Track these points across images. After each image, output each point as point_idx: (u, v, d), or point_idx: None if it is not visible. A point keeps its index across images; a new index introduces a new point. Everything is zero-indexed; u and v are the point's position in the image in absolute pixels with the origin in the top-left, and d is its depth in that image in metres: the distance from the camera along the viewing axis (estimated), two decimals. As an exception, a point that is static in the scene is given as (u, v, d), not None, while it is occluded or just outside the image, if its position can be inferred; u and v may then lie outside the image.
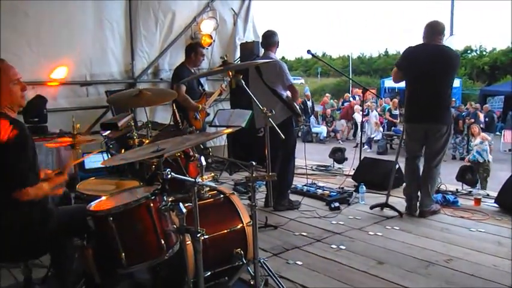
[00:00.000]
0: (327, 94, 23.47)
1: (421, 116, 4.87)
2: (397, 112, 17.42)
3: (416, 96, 4.90)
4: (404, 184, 5.41)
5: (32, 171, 2.62)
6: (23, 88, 2.69)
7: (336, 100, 23.63)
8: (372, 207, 5.16)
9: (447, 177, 6.21)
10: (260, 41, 5.43)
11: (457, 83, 26.25)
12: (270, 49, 5.25)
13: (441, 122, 4.84)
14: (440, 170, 5.11)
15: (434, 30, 4.81)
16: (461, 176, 6.13)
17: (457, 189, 6.02)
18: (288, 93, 5.17)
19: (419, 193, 5.09)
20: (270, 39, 5.26)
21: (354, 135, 19.56)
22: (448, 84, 4.87)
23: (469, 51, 41.81)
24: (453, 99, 20.88)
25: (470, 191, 5.97)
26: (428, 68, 4.73)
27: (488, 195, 5.78)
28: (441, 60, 4.75)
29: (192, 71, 6.00)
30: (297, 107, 5.23)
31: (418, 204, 5.10)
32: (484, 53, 41.47)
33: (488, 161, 10.65)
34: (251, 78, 5.25)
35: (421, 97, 4.82)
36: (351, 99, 21.77)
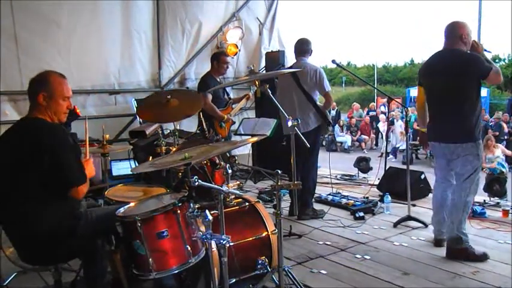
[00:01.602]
0: (355, 103, 23.32)
1: (441, 133, 4.19)
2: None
3: (434, 111, 4.28)
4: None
5: (83, 169, 2.74)
6: (69, 106, 2.83)
7: (360, 110, 23.48)
8: (395, 225, 5.03)
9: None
10: (293, 47, 5.46)
11: (484, 92, 25.81)
12: (304, 56, 5.32)
13: (463, 139, 4.01)
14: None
15: (448, 32, 4.16)
16: (488, 187, 6.03)
17: (484, 200, 5.93)
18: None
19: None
20: (304, 46, 5.33)
21: (377, 144, 19.44)
22: (468, 93, 4.01)
23: (497, 60, 41.09)
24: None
25: (498, 202, 5.87)
26: (439, 78, 4.10)
27: (516, 206, 5.67)
28: (452, 66, 4.03)
29: (218, 79, 6.06)
30: (329, 115, 5.27)
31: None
32: (514, 60, 40.71)
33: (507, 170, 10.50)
34: (284, 84, 5.33)
35: (439, 111, 4.20)
36: (374, 110, 21.63)
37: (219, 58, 6.06)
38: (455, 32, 4.09)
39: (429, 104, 4.34)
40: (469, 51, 4.10)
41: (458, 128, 4.03)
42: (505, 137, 16.33)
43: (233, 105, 6.29)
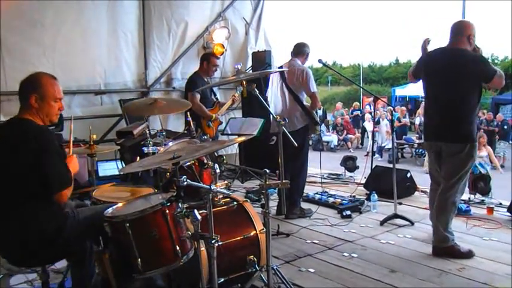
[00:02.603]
0: (339, 102, 23.44)
1: (435, 132, 4.17)
2: (406, 119, 17.53)
3: (430, 109, 4.27)
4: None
5: (68, 173, 2.72)
6: (60, 108, 2.83)
7: (346, 109, 23.60)
8: (382, 223, 5.07)
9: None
10: (291, 49, 5.47)
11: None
12: (298, 57, 5.35)
13: (456, 139, 4.00)
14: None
15: (454, 29, 4.09)
16: (473, 185, 6.10)
17: (469, 198, 6.00)
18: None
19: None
20: (299, 48, 5.38)
21: (362, 143, 19.58)
22: (466, 94, 3.97)
23: (480, 61, 41.57)
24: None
25: (483, 200, 5.95)
26: (441, 76, 4.04)
27: (501, 204, 5.74)
28: (455, 65, 3.98)
29: (206, 79, 6.06)
30: (316, 115, 5.29)
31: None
32: (496, 61, 41.19)
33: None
34: (272, 83, 5.39)
35: (435, 110, 4.17)
36: (358, 109, 21.81)
37: (209, 59, 6.08)
38: (463, 31, 4.04)
39: (427, 98, 4.32)
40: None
41: (457, 127, 4.00)
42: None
43: (220, 106, 6.29)
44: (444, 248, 4.13)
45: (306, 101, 5.33)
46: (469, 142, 3.98)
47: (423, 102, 4.44)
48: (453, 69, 3.97)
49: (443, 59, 4.07)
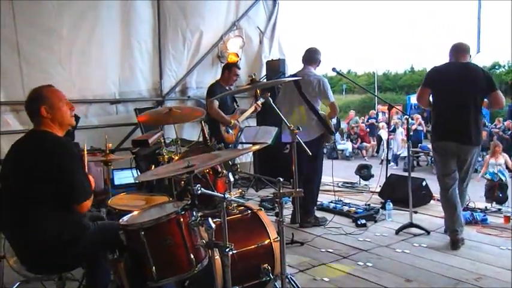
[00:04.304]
0: (351, 111, 23.38)
1: (449, 133, 4.61)
2: (421, 128, 17.38)
3: (446, 115, 4.66)
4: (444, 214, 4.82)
5: (89, 183, 2.77)
6: (71, 108, 2.88)
7: (362, 117, 23.52)
8: (397, 232, 5.04)
9: (475, 194, 6.12)
10: (303, 55, 5.45)
11: (484, 99, 25.82)
12: (311, 65, 5.34)
13: (472, 143, 4.55)
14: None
15: (459, 48, 4.69)
16: (489, 194, 6.04)
17: (486, 207, 5.93)
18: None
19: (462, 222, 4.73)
20: (311, 55, 5.36)
21: (378, 151, 19.47)
22: (477, 102, 4.55)
23: (497, 67, 41.17)
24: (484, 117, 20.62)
25: (500, 209, 5.88)
26: (456, 86, 4.53)
27: (518, 213, 5.67)
28: (468, 76, 4.54)
29: (227, 88, 6.12)
30: (332, 124, 5.27)
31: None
32: (515, 69, 40.78)
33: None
34: (287, 92, 5.36)
35: (449, 114, 4.61)
36: (374, 117, 21.73)
37: (231, 69, 6.18)
38: (466, 49, 4.70)
39: (437, 106, 4.76)
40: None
41: (473, 132, 4.53)
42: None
43: (240, 114, 6.31)
44: (459, 239, 4.58)
45: (321, 109, 5.32)
46: (479, 144, 4.70)
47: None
48: (464, 81, 4.52)
49: (455, 72, 4.61)
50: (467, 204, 5.77)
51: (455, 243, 4.55)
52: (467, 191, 4.96)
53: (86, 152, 3.23)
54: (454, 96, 4.54)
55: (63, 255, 2.65)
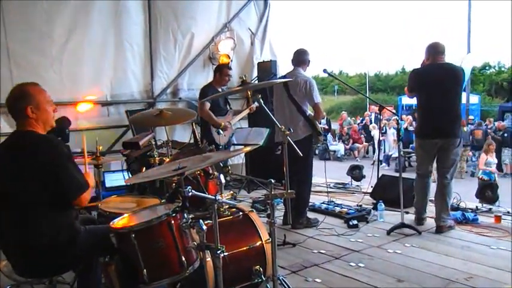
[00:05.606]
0: (344, 112, 23.44)
1: (435, 131, 5.01)
2: (412, 128, 17.46)
3: (429, 113, 5.10)
4: (415, 199, 5.42)
5: (84, 176, 2.77)
6: (55, 110, 2.86)
7: (353, 118, 23.59)
8: (389, 232, 5.06)
9: (467, 194, 6.15)
10: (292, 57, 5.46)
11: (475, 99, 26.06)
12: (300, 66, 5.34)
13: (454, 135, 4.99)
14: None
15: (436, 50, 5.03)
16: (480, 194, 6.08)
17: (476, 207, 5.97)
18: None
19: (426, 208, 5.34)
20: (300, 57, 5.36)
21: (368, 152, 19.53)
22: (457, 99, 5.11)
23: (487, 68, 41.49)
24: (471, 116, 20.77)
25: (490, 208, 5.91)
26: (438, 85, 4.92)
27: (508, 212, 5.71)
28: (449, 76, 4.95)
29: (220, 90, 6.11)
30: (319, 125, 5.28)
31: (434, 220, 5.14)
32: (503, 69, 41.10)
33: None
34: (276, 93, 5.37)
35: (434, 113, 5.02)
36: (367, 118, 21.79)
37: (221, 70, 6.21)
38: (443, 50, 5.04)
39: (421, 105, 5.21)
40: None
41: (452, 126, 5.00)
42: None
43: (233, 115, 6.31)
44: (445, 226, 5.05)
45: (310, 111, 5.33)
46: (460, 137, 5.08)
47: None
48: (445, 81, 4.93)
49: (436, 73, 4.99)
50: (458, 204, 5.81)
51: (420, 221, 5.28)
52: (459, 190, 5.29)
53: (86, 153, 3.22)
54: (436, 96, 4.95)
55: (55, 258, 2.64)
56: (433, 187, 5.31)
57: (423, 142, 5.23)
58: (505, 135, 16.59)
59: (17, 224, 2.62)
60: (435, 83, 4.94)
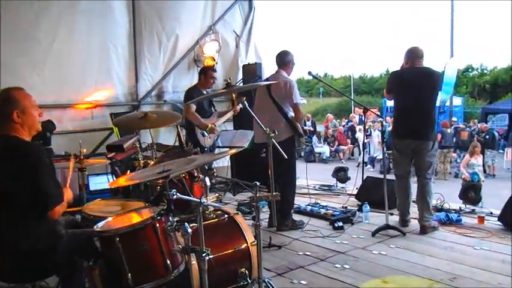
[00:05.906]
0: (329, 114, 23.53)
1: (408, 132, 5.12)
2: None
3: (403, 114, 5.23)
4: (397, 201, 5.47)
5: (60, 189, 2.73)
6: (40, 114, 2.83)
7: (338, 120, 23.70)
8: (373, 234, 5.08)
9: (450, 195, 6.20)
10: (275, 60, 5.48)
11: (458, 101, 26.34)
12: (283, 68, 5.35)
13: (426, 138, 5.08)
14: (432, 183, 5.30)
15: (415, 54, 5.16)
16: (464, 195, 6.14)
17: (460, 208, 6.02)
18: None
19: (410, 209, 5.40)
20: (282, 58, 5.37)
21: (353, 154, 19.63)
22: (433, 102, 5.27)
23: (470, 70, 42.03)
24: (454, 118, 20.99)
25: (474, 209, 5.97)
26: (414, 88, 5.04)
27: (491, 213, 5.77)
28: (425, 80, 5.07)
29: (205, 92, 6.10)
30: (300, 127, 5.27)
31: (417, 220, 5.18)
32: (485, 71, 41.69)
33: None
34: (259, 95, 5.36)
35: (408, 115, 5.12)
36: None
37: (206, 72, 6.22)
38: (422, 54, 5.16)
39: (398, 106, 5.34)
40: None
41: (426, 129, 5.10)
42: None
43: (218, 118, 6.30)
44: (427, 226, 5.09)
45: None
46: (434, 140, 5.22)
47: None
48: (422, 84, 5.05)
49: (413, 76, 5.11)
50: (442, 205, 5.86)
51: (404, 222, 5.31)
52: (442, 191, 5.44)
53: (71, 167, 3.19)
54: (411, 99, 5.07)
55: (37, 263, 2.61)
56: (414, 188, 5.34)
57: (398, 142, 5.31)
58: (487, 137, 16.81)
59: None
60: (411, 86, 5.06)
